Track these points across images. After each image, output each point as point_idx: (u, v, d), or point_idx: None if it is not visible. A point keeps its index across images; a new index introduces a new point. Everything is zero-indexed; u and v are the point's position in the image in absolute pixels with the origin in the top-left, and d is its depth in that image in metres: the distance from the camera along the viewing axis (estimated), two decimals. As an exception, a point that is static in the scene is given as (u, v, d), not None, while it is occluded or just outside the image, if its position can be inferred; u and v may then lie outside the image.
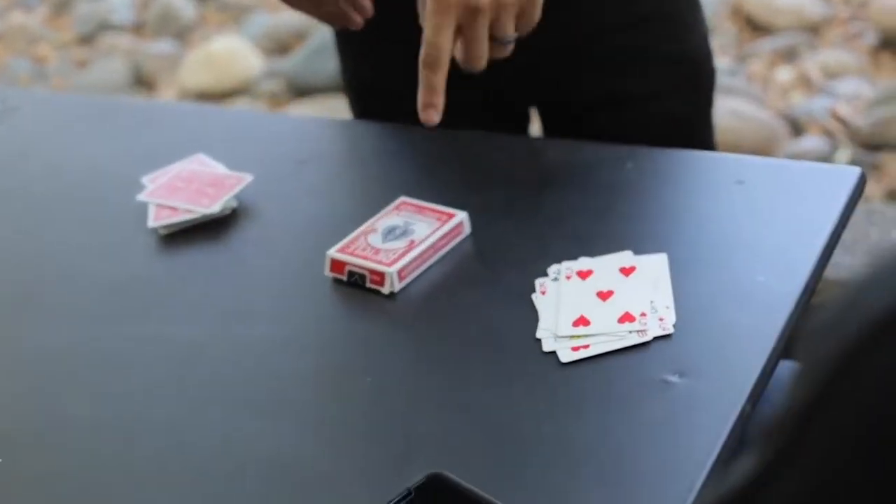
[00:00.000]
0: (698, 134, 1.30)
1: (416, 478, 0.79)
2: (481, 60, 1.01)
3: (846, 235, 0.99)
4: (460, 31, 0.99)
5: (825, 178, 1.05)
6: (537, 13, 1.01)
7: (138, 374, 0.97)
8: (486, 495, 0.77)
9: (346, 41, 1.27)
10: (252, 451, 0.88)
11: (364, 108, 1.31)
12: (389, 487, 0.79)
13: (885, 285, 0.47)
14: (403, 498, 0.78)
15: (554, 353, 0.90)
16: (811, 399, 0.48)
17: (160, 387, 0.95)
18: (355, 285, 1.00)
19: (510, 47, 1.02)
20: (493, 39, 1.01)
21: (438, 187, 1.08)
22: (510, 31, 1.01)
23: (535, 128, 1.41)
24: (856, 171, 1.02)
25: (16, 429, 0.95)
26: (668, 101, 1.25)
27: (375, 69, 1.27)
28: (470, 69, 1.02)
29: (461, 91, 1.02)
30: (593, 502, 0.79)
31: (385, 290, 0.99)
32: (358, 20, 1.14)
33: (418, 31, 1.00)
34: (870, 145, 2.58)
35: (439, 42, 0.98)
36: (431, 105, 1.00)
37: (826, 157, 2.53)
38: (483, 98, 1.21)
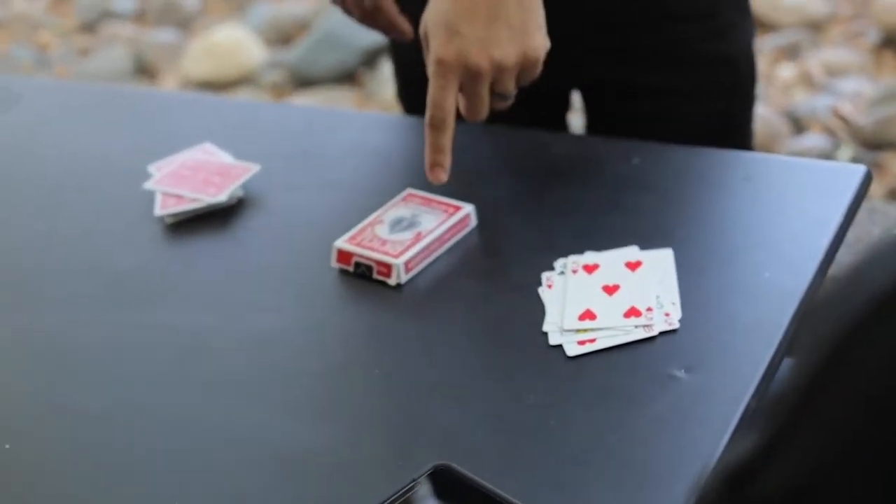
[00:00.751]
0: (734, 135, 1.28)
1: (422, 469, 0.79)
2: (482, 116, 1.03)
3: (848, 234, 0.99)
4: (463, 88, 1.01)
5: (831, 175, 1.05)
6: (538, 70, 1.02)
7: (143, 363, 0.97)
8: (492, 487, 0.77)
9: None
10: (257, 443, 0.88)
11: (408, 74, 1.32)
12: (395, 479, 0.79)
13: (885, 265, 0.47)
14: (409, 489, 0.78)
15: (560, 346, 0.90)
16: (812, 377, 0.48)
17: (165, 377, 0.95)
18: (362, 276, 1.01)
19: (511, 100, 1.04)
20: (494, 94, 1.02)
21: (445, 179, 1.08)
22: (511, 89, 1.02)
23: (577, 119, 1.41)
24: (861, 168, 1.03)
25: (19, 417, 0.95)
26: (705, 100, 1.25)
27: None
28: (472, 121, 1.04)
29: None
30: (598, 496, 0.79)
31: (392, 281, 0.99)
32: (408, 32, 1.16)
33: None
34: (871, 144, 2.58)
35: (443, 103, 1.00)
36: (439, 165, 1.03)
37: (827, 156, 2.53)
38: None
